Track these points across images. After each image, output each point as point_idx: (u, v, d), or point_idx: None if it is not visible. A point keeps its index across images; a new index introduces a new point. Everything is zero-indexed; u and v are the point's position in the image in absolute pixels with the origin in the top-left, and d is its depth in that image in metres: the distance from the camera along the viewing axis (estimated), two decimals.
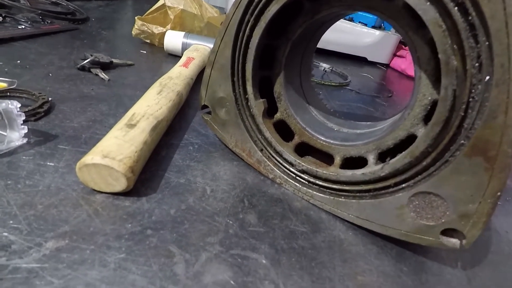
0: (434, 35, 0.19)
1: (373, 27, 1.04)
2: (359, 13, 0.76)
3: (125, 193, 0.26)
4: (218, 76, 0.31)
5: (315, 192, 0.30)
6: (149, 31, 0.67)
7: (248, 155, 0.33)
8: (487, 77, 0.19)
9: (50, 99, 0.38)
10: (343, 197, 0.28)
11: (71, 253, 0.20)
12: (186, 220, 0.25)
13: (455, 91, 0.20)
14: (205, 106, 0.35)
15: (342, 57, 1.02)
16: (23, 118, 0.29)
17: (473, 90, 0.19)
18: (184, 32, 0.64)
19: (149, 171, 0.30)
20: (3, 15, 0.61)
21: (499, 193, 0.20)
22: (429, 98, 0.23)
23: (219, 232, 0.25)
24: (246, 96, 0.30)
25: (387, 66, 1.09)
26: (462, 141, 0.21)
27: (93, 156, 0.24)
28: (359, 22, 1.04)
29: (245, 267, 0.22)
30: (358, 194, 0.27)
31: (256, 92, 0.30)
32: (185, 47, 0.63)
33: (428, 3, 0.19)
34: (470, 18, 0.18)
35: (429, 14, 0.19)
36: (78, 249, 0.21)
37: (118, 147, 0.26)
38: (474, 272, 0.27)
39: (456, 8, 0.18)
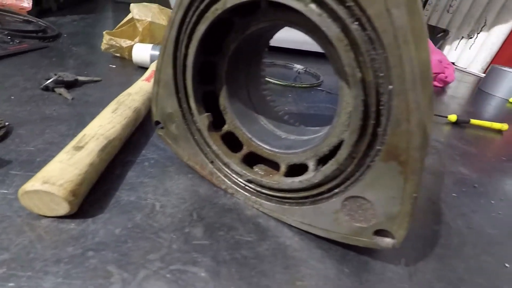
0: (338, 50, 0.20)
1: None
2: None
3: (71, 216, 0.27)
4: (164, 92, 0.32)
5: (263, 201, 0.31)
6: (118, 45, 0.67)
7: (201, 167, 0.34)
8: (390, 87, 0.19)
9: (7, 123, 0.38)
10: (287, 204, 0.29)
11: (7, 281, 0.21)
12: (130, 238, 0.26)
13: (364, 100, 0.21)
14: (157, 122, 0.35)
15: (318, 56, 1.03)
16: None
17: (381, 99, 0.20)
18: (151, 45, 0.65)
19: (99, 191, 0.30)
20: None
21: (415, 195, 0.21)
22: (352, 106, 0.24)
23: (162, 248, 0.25)
24: (191, 112, 0.31)
25: None
26: (378, 147, 0.22)
27: (33, 183, 0.25)
28: None
29: (183, 282, 0.23)
30: (299, 200, 0.28)
31: (200, 107, 0.31)
32: (153, 59, 0.64)
33: (330, 19, 0.20)
34: (367, 32, 0.19)
35: (331, 30, 0.20)
36: (14, 277, 0.21)
37: (60, 172, 0.26)
38: (417, 267, 0.28)
39: (355, 23, 0.19)
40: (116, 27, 0.71)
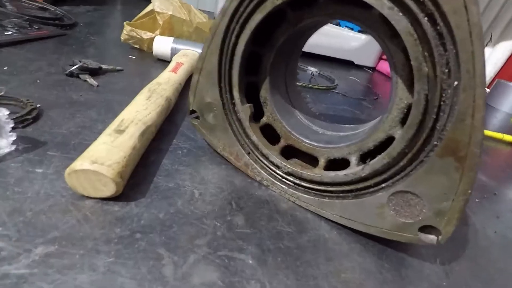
0: (406, 43, 0.20)
1: (360, 31, 1.07)
2: None
3: (114, 198, 0.27)
4: (205, 82, 0.32)
5: (300, 194, 0.31)
6: (138, 36, 0.67)
7: (236, 158, 0.34)
8: (455, 82, 0.20)
9: (38, 105, 0.38)
10: (327, 198, 0.29)
11: (61, 258, 0.21)
12: (175, 223, 0.26)
13: (427, 95, 0.21)
14: (193, 111, 0.35)
15: (330, 60, 1.04)
16: (12, 125, 0.29)
17: (443, 94, 0.21)
18: (173, 38, 0.65)
19: (138, 176, 0.30)
20: None
21: (469, 191, 0.22)
22: (405, 102, 0.24)
23: (207, 234, 0.25)
24: (233, 101, 0.31)
25: (373, 69, 1.11)
26: (435, 142, 0.22)
27: (82, 162, 0.25)
28: (346, 26, 1.06)
29: (232, 268, 0.23)
30: (341, 194, 0.28)
31: (243, 97, 0.31)
32: (174, 52, 0.64)
33: (401, 13, 0.20)
34: (438, 27, 0.19)
35: (401, 24, 0.20)
36: (67, 254, 0.21)
37: (107, 153, 0.26)
38: (452, 266, 0.29)
39: (426, 18, 0.20)
40: (135, 19, 0.71)
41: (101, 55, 0.63)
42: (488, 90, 1.36)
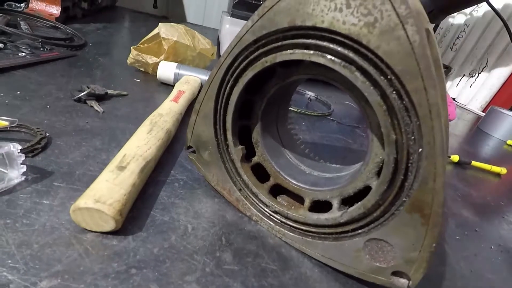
0: (377, 113, 0.23)
1: None
2: None
3: (113, 232, 0.29)
4: (202, 123, 0.35)
5: (286, 231, 0.33)
6: (144, 60, 0.71)
7: (228, 193, 0.36)
8: (420, 149, 0.22)
9: (47, 134, 0.41)
10: (310, 237, 0.32)
11: None
12: (168, 258, 0.28)
13: (395, 158, 0.24)
14: (190, 147, 0.38)
15: (327, 84, 1.07)
16: (23, 158, 0.32)
17: (410, 158, 0.23)
18: (176, 63, 0.68)
19: (136, 209, 0.33)
20: (4, 42, 0.65)
21: (434, 245, 0.24)
22: (380, 157, 0.27)
23: (196, 271, 0.28)
24: (227, 143, 0.34)
25: None
26: (404, 199, 0.24)
27: (86, 201, 0.27)
28: None
29: None
30: (322, 235, 0.31)
31: (236, 140, 0.33)
32: (177, 77, 0.67)
33: (372, 87, 0.23)
34: (404, 102, 0.22)
35: (372, 97, 0.23)
36: (73, 284, 0.23)
37: (108, 191, 0.29)
38: None
39: (394, 93, 0.22)
40: (141, 42, 0.74)
41: (108, 78, 0.66)
42: (483, 114, 1.39)
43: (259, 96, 0.32)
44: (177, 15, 1.73)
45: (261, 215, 0.35)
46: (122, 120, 0.51)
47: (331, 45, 0.24)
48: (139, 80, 0.69)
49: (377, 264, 0.28)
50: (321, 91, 0.94)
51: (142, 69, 0.73)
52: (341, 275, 0.31)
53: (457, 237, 0.44)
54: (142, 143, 0.37)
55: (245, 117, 0.33)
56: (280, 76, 0.31)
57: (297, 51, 0.26)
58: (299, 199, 0.35)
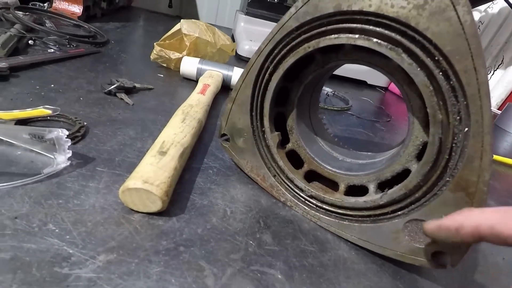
0: (423, 94, 0.24)
1: None
2: None
3: (158, 213, 0.30)
4: (238, 110, 0.36)
5: (322, 215, 0.34)
6: (166, 56, 0.72)
7: (262, 179, 0.37)
8: (466, 129, 0.23)
9: (85, 123, 0.42)
10: (346, 221, 0.32)
11: (120, 265, 0.24)
12: (212, 238, 0.29)
13: (440, 138, 0.24)
14: (224, 135, 0.39)
15: (343, 80, 1.07)
16: (69, 143, 0.34)
17: (455, 138, 0.24)
18: (199, 58, 0.70)
19: (176, 193, 0.34)
20: (34, 38, 0.67)
21: None
22: (421, 140, 0.28)
23: (240, 250, 0.29)
24: (263, 129, 0.35)
25: (385, 89, 1.14)
26: (448, 179, 0.25)
27: (135, 182, 0.28)
28: None
29: (264, 281, 0.26)
30: (360, 218, 0.31)
31: (272, 126, 0.34)
32: (199, 72, 0.69)
33: (418, 68, 0.24)
34: (451, 82, 0.23)
35: (419, 78, 0.24)
36: (125, 262, 0.25)
37: (154, 173, 0.30)
38: None
39: (440, 74, 0.23)
40: (162, 38, 0.76)
41: (132, 73, 0.68)
42: (499, 112, 1.37)
43: (297, 83, 0.33)
44: (190, 15, 1.75)
45: (296, 200, 0.35)
46: (151, 112, 0.52)
47: (378, 29, 0.24)
48: (162, 75, 0.71)
49: (417, 245, 0.28)
50: (338, 88, 0.95)
51: (165, 65, 0.75)
52: (377, 257, 0.32)
53: None
54: (178, 131, 0.39)
55: (280, 104, 0.34)
56: (319, 62, 0.31)
57: (341, 35, 0.26)
58: (332, 185, 0.35)
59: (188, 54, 0.74)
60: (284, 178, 0.35)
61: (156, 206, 0.29)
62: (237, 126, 0.37)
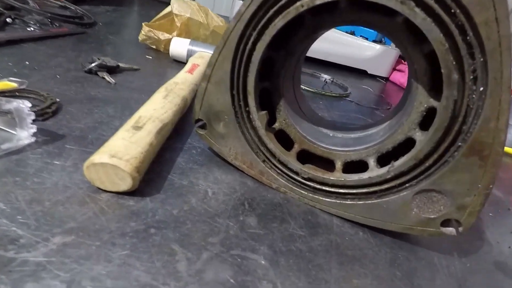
0: (438, 52, 0.21)
1: (374, 41, 1.07)
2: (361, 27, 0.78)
3: (129, 193, 0.27)
4: (215, 89, 0.31)
5: (321, 198, 0.31)
6: (156, 37, 0.68)
7: (250, 166, 0.33)
8: (481, 88, 0.20)
9: (58, 100, 0.39)
10: (349, 200, 0.30)
11: (78, 248, 0.21)
12: (189, 220, 0.26)
13: (455, 101, 0.21)
14: (198, 120, 0.34)
15: (343, 69, 1.04)
16: (33, 117, 0.30)
17: (470, 99, 0.21)
18: (189, 40, 0.66)
19: (153, 172, 0.30)
20: (13, 17, 0.63)
21: (491, 186, 0.23)
22: (425, 105, 0.25)
23: (220, 233, 0.25)
24: (247, 109, 0.31)
25: (386, 79, 1.11)
26: (460, 144, 0.23)
27: (100, 156, 0.25)
28: (361, 36, 1.06)
29: (245, 267, 0.23)
30: (363, 195, 0.29)
31: (258, 105, 0.30)
32: (190, 54, 0.65)
33: (433, 24, 0.20)
34: (468, 38, 0.20)
35: (433, 34, 0.20)
36: (84, 244, 0.21)
37: (125, 148, 0.27)
38: (465, 278, 0.28)
39: (456, 29, 0.20)
40: (153, 20, 0.72)
41: (119, 54, 0.64)
42: None
43: (283, 52, 0.30)
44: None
45: (290, 185, 0.32)
46: (135, 91, 0.49)
47: None
48: (151, 57, 0.67)
49: (426, 215, 0.26)
50: (337, 76, 0.91)
51: (154, 47, 0.71)
52: (373, 243, 0.29)
53: (490, 214, 0.41)
54: (158, 107, 0.35)
55: (265, 78, 0.31)
56: (310, 26, 0.28)
57: None
58: (327, 165, 0.32)
59: (179, 35, 0.70)
60: (275, 163, 0.32)
61: (126, 184, 0.26)
62: (215, 108, 0.32)
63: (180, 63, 0.67)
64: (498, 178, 0.54)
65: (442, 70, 0.21)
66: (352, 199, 0.29)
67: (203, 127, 0.35)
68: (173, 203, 0.27)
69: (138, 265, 0.21)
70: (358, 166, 0.30)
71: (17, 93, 0.38)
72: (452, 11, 0.20)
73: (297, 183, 0.32)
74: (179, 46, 0.65)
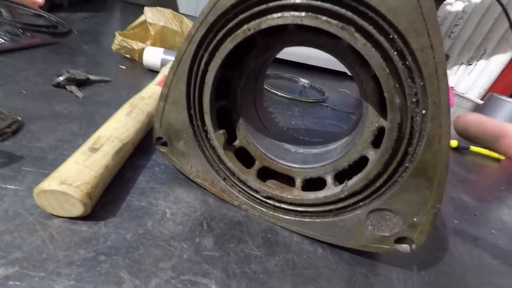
0: (379, 77, 0.21)
1: None
2: None
3: (83, 217, 0.27)
4: (172, 109, 0.31)
5: (280, 215, 0.31)
6: (129, 46, 0.68)
7: (211, 184, 0.33)
8: (423, 111, 0.21)
9: (19, 118, 0.38)
10: (307, 218, 0.30)
11: (20, 281, 0.21)
12: (142, 244, 0.26)
13: (399, 124, 0.22)
14: (159, 138, 0.34)
15: (323, 71, 1.04)
16: None
17: (413, 121, 0.22)
18: (163, 49, 0.66)
19: (111, 193, 0.30)
20: None
21: (438, 205, 0.24)
22: (376, 125, 0.25)
23: (173, 257, 0.25)
24: (205, 128, 0.31)
25: None
26: (407, 164, 0.24)
27: (50, 182, 0.25)
28: None
29: None
30: (321, 214, 0.29)
31: (215, 124, 0.30)
32: (164, 63, 0.65)
33: (373, 49, 0.21)
34: (407, 62, 0.20)
35: (374, 59, 0.21)
36: (27, 276, 0.21)
37: (77, 173, 0.26)
38: None
39: (396, 53, 0.20)
40: (128, 28, 0.71)
41: (92, 64, 0.63)
42: (482, 102, 1.37)
43: (238, 71, 0.30)
44: (169, 6, 1.69)
45: (251, 203, 0.32)
46: (104, 105, 0.48)
47: (327, 5, 0.21)
48: (124, 67, 0.66)
49: (380, 233, 0.27)
50: (317, 79, 0.92)
51: (129, 56, 0.70)
52: (331, 259, 0.29)
53: (455, 221, 0.42)
54: (119, 125, 0.35)
55: (222, 97, 0.31)
56: (261, 47, 0.28)
57: (285, 14, 0.23)
58: (288, 181, 0.32)
59: (153, 44, 0.69)
60: (236, 181, 0.32)
61: (78, 210, 0.26)
62: (174, 127, 0.32)
63: (154, 73, 0.66)
64: (468, 181, 0.56)
65: (385, 94, 0.21)
66: (311, 217, 0.30)
67: (165, 144, 0.34)
68: (127, 226, 0.27)
69: None
70: (317, 182, 0.30)
71: None
72: (391, 36, 0.20)
73: (258, 200, 0.32)
74: (152, 55, 0.64)
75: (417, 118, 0.22)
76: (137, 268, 0.24)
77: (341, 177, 0.29)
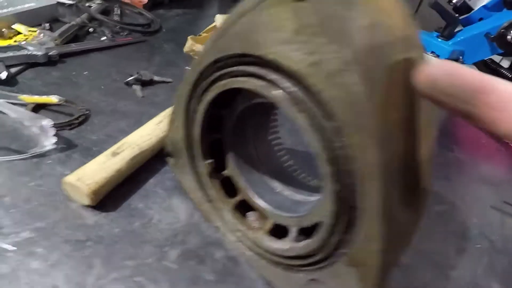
0: (318, 162, 0.22)
1: None
2: None
3: (92, 207, 0.34)
4: (175, 134, 0.36)
5: (245, 251, 0.33)
6: (197, 50, 0.76)
7: (198, 202, 0.37)
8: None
9: (87, 111, 0.49)
10: (265, 261, 0.32)
11: (34, 246, 0.30)
12: (122, 240, 0.32)
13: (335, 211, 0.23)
14: (167, 151, 0.39)
15: None
16: (53, 132, 0.40)
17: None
18: None
19: (121, 190, 0.37)
20: (94, 27, 0.78)
21: None
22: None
23: (138, 258, 0.31)
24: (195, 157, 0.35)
25: None
26: (344, 250, 0.24)
27: (71, 177, 0.33)
28: None
29: None
30: (275, 262, 0.31)
31: (203, 154, 0.34)
32: None
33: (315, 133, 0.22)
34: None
35: (315, 144, 0.22)
36: (37, 244, 0.30)
37: (92, 172, 0.34)
38: None
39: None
40: (203, 31, 0.80)
41: (163, 64, 0.73)
42: None
43: (228, 111, 0.33)
44: None
45: (225, 230, 0.35)
46: (155, 106, 0.56)
47: (282, 80, 0.23)
48: (189, 68, 0.75)
49: None
50: None
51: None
52: None
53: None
54: (145, 133, 0.42)
55: (216, 130, 0.34)
56: (245, 96, 0.30)
57: (251, 80, 0.25)
58: (263, 218, 0.34)
59: None
60: (216, 206, 0.36)
61: (85, 201, 0.34)
62: (177, 146, 0.37)
63: None
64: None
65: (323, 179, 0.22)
66: (267, 261, 0.31)
67: (172, 156, 0.40)
68: (119, 222, 0.34)
69: (62, 268, 0.28)
70: (285, 231, 0.31)
71: (61, 104, 0.49)
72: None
73: (231, 229, 0.35)
74: None
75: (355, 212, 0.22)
76: (108, 260, 0.30)
77: (306, 234, 0.29)
